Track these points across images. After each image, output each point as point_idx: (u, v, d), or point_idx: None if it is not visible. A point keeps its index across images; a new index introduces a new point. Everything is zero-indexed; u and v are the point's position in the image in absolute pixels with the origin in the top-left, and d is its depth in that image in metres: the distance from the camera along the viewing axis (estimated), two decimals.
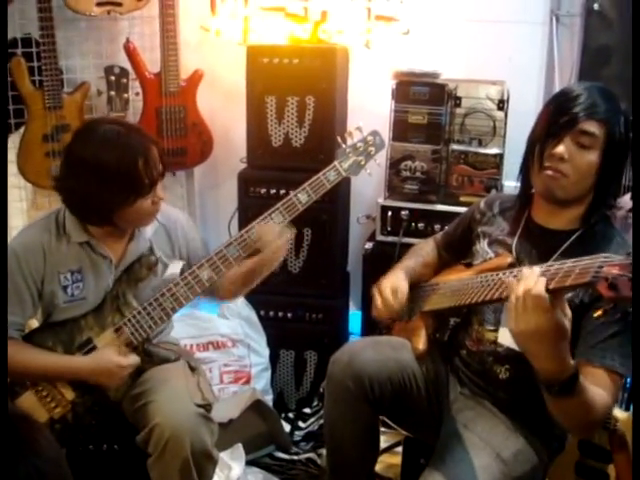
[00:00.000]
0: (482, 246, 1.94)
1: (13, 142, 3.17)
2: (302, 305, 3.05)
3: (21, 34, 3.12)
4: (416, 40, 3.08)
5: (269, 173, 2.97)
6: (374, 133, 2.20)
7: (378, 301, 1.99)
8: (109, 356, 2.04)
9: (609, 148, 1.72)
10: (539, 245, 1.82)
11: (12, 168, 3.16)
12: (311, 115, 2.89)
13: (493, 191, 2.78)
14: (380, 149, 2.22)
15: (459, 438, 1.82)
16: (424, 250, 2.19)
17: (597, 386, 1.58)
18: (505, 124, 2.83)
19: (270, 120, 2.92)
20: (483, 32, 3.20)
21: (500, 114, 2.82)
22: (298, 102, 2.88)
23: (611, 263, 1.35)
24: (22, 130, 3.13)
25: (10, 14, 3.04)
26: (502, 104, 2.80)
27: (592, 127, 1.71)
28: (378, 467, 2.74)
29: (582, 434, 1.90)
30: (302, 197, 2.12)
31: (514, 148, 2.93)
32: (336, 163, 2.15)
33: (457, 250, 2.10)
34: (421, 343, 2.00)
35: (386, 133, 2.84)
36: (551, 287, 1.42)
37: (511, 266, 1.78)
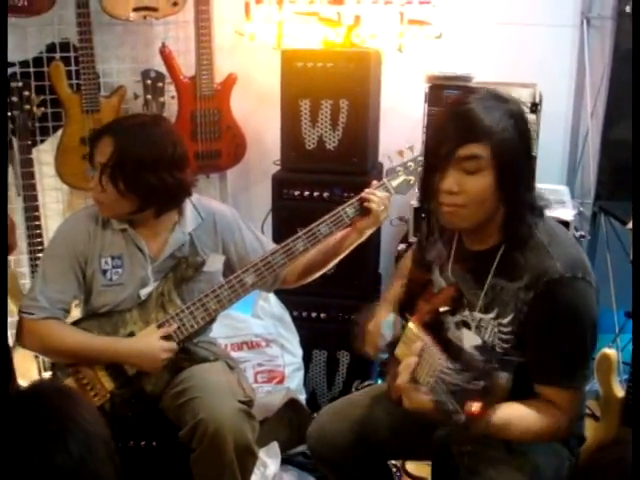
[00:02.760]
0: (436, 275, 1.89)
1: (51, 144, 3.24)
2: (334, 306, 3.07)
3: (59, 39, 3.18)
4: (448, 43, 3.11)
5: (303, 175, 3.00)
6: None
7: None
8: (152, 339, 2.10)
9: (501, 162, 1.61)
10: (471, 269, 1.77)
11: (50, 170, 3.23)
12: (345, 118, 2.91)
13: None
14: None
15: (479, 459, 1.77)
16: (405, 268, 2.11)
17: (550, 405, 1.60)
18: (538, 127, 2.84)
19: (304, 123, 2.95)
20: (514, 35, 3.23)
21: (532, 117, 2.82)
22: (332, 105, 2.91)
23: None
24: (59, 133, 3.19)
25: (49, 19, 3.11)
26: (535, 107, 2.81)
27: (472, 150, 1.60)
28: (410, 467, 2.77)
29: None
30: (350, 211, 2.14)
31: (546, 151, 2.96)
32: (385, 181, 2.16)
33: (424, 268, 2.00)
34: (394, 390, 1.87)
35: (419, 136, 2.88)
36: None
37: (454, 301, 1.77)
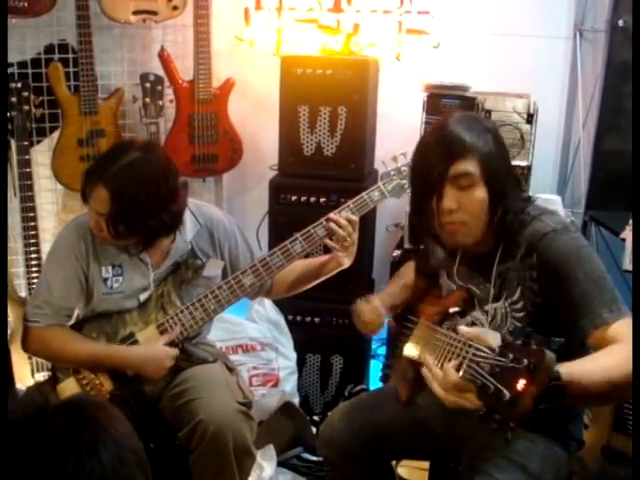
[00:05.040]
0: (444, 279, 1.94)
1: (47, 145, 3.24)
2: (328, 310, 3.10)
3: (57, 40, 3.19)
4: (444, 53, 3.15)
5: (300, 181, 3.03)
6: None
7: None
8: (157, 345, 2.12)
9: (489, 173, 1.70)
10: (477, 268, 1.83)
11: (45, 171, 3.24)
12: (343, 125, 2.94)
13: None
14: None
15: (483, 459, 1.80)
16: (406, 273, 2.18)
17: (614, 342, 1.51)
18: (533, 137, 2.88)
19: (302, 129, 2.98)
20: (509, 46, 3.28)
21: (527, 127, 2.87)
22: (330, 112, 2.94)
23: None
24: (56, 134, 3.20)
25: (48, 21, 3.12)
26: (531, 117, 2.85)
27: (462, 166, 1.68)
28: (402, 471, 2.78)
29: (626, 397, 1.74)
30: (346, 215, 2.16)
31: (538, 160, 3.01)
32: (380, 184, 2.18)
33: (428, 276, 2.06)
34: (404, 392, 1.96)
35: (415, 144, 2.91)
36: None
37: (465, 302, 1.82)
